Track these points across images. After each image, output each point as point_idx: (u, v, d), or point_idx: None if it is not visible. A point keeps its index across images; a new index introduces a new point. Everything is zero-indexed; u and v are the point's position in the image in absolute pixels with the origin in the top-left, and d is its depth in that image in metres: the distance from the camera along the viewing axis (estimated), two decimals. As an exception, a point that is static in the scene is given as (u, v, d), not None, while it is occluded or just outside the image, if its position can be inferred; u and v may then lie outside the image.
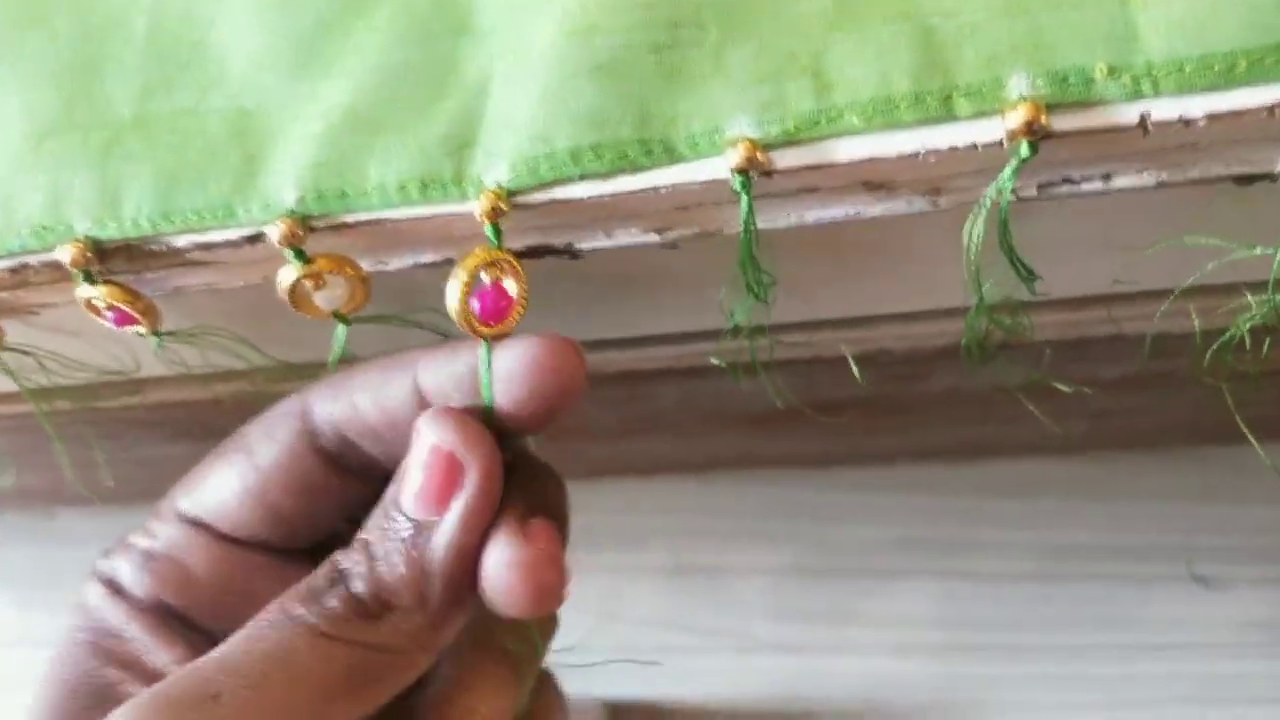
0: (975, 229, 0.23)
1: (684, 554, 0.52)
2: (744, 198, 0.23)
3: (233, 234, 0.25)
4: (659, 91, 0.23)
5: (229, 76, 0.26)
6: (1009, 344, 0.26)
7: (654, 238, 0.25)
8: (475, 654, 0.26)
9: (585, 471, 0.46)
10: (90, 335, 0.29)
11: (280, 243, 0.24)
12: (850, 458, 0.52)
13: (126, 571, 0.27)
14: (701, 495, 0.53)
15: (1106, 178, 0.23)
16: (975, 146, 0.22)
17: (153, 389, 0.36)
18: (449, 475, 0.23)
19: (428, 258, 0.26)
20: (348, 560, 0.24)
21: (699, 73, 0.23)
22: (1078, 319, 0.32)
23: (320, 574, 0.24)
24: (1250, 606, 0.47)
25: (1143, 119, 0.21)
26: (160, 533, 0.27)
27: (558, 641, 0.28)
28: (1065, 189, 0.23)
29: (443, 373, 0.25)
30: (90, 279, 0.26)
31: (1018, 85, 0.21)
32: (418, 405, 0.25)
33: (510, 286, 0.24)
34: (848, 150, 0.22)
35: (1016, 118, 0.21)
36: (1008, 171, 0.22)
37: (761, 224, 0.24)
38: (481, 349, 0.24)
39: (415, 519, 0.23)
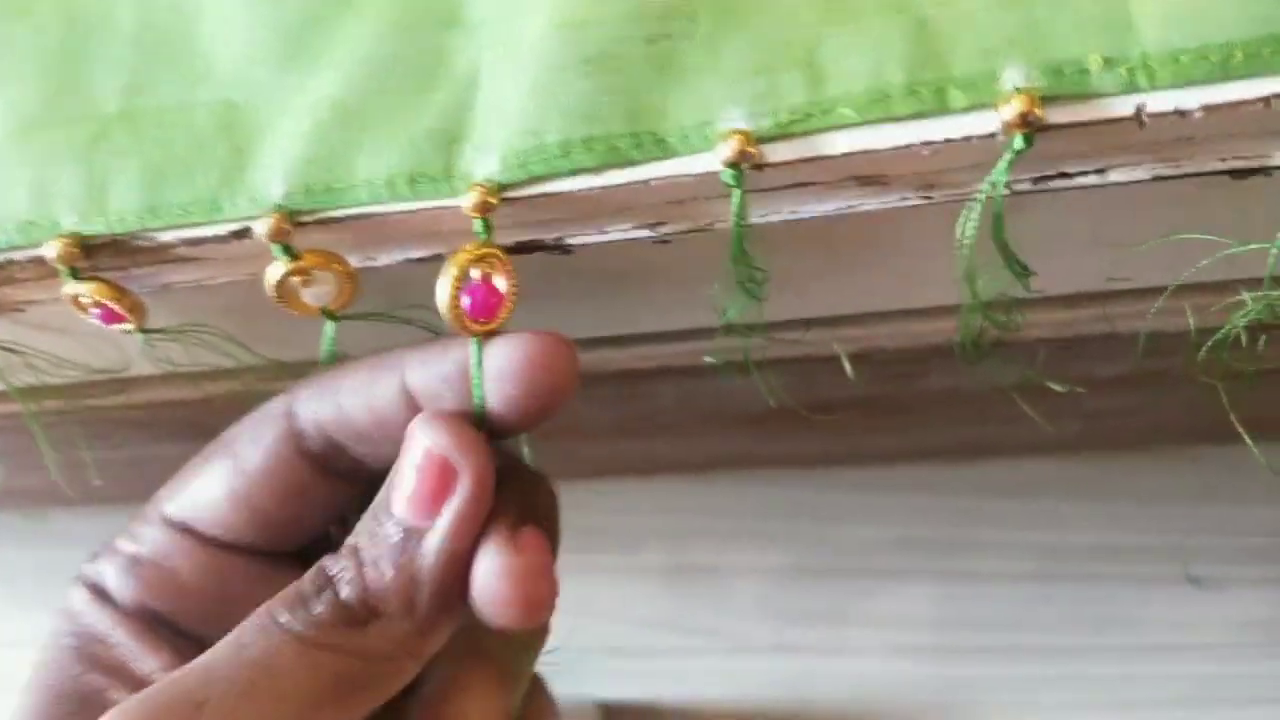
0: (969, 223, 0.22)
1: (682, 554, 0.52)
2: (736, 192, 0.22)
3: (220, 229, 0.25)
4: (650, 84, 0.23)
5: (216, 70, 0.26)
6: (1003, 342, 0.26)
7: (645, 233, 0.25)
8: (465, 660, 0.26)
9: (583, 471, 0.46)
10: (78, 333, 0.29)
11: (267, 238, 0.24)
12: (849, 458, 0.51)
13: (112, 576, 0.26)
14: (700, 495, 0.52)
15: (1101, 171, 0.23)
16: (969, 139, 0.21)
17: (142, 388, 0.36)
18: (441, 480, 0.23)
19: (416, 253, 0.26)
20: (336, 566, 0.24)
21: (690, 65, 0.23)
22: (1072, 317, 0.32)
23: (308, 579, 0.24)
24: (1249, 606, 0.47)
25: (1138, 111, 0.21)
26: (146, 537, 0.26)
27: (552, 642, 0.28)
28: (1060, 183, 0.23)
29: (432, 372, 0.24)
30: (76, 275, 0.26)
31: (1012, 77, 0.21)
32: (406, 406, 0.24)
33: (500, 283, 0.24)
34: (841, 143, 0.22)
35: (1011, 110, 0.21)
36: (1002, 164, 0.21)
37: (754, 218, 0.23)
38: (473, 346, 0.24)
39: (405, 524, 0.23)
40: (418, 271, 0.25)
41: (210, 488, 0.26)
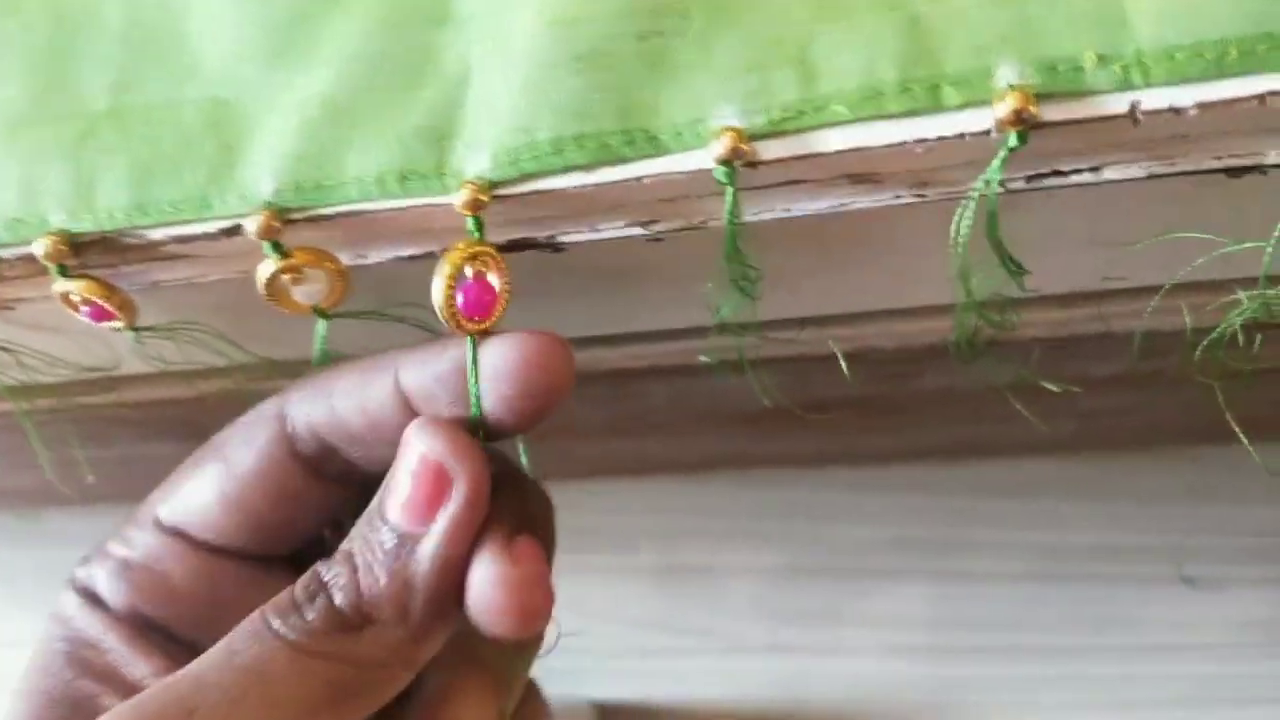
0: (963, 222, 0.22)
1: (676, 554, 0.52)
2: (728, 189, 0.22)
3: (209, 226, 0.25)
4: (642, 81, 0.23)
5: (205, 67, 0.25)
6: (998, 341, 0.26)
7: (638, 230, 0.25)
8: (460, 667, 0.26)
9: (575, 471, 0.46)
10: (68, 331, 0.29)
11: (257, 235, 0.24)
12: (844, 457, 0.51)
13: (104, 580, 0.26)
14: (693, 495, 0.52)
15: (1096, 169, 0.22)
16: (963, 137, 0.21)
17: (134, 386, 0.36)
18: (436, 487, 0.23)
19: (407, 251, 0.26)
20: (329, 572, 0.23)
21: (683, 62, 0.23)
22: (1067, 316, 0.32)
23: (301, 585, 0.23)
24: (1248, 606, 0.47)
25: (1133, 108, 0.21)
26: (137, 541, 0.26)
27: (546, 642, 0.28)
28: (1054, 181, 0.23)
29: (426, 372, 0.24)
30: (65, 273, 0.25)
31: (1006, 74, 0.21)
32: (400, 407, 0.24)
33: (494, 280, 0.24)
34: (834, 141, 0.22)
35: (1005, 107, 0.21)
36: (996, 162, 0.21)
37: (747, 216, 0.23)
38: (468, 345, 0.24)
39: (400, 530, 0.23)
40: (409, 269, 0.25)
41: (202, 491, 0.26)
